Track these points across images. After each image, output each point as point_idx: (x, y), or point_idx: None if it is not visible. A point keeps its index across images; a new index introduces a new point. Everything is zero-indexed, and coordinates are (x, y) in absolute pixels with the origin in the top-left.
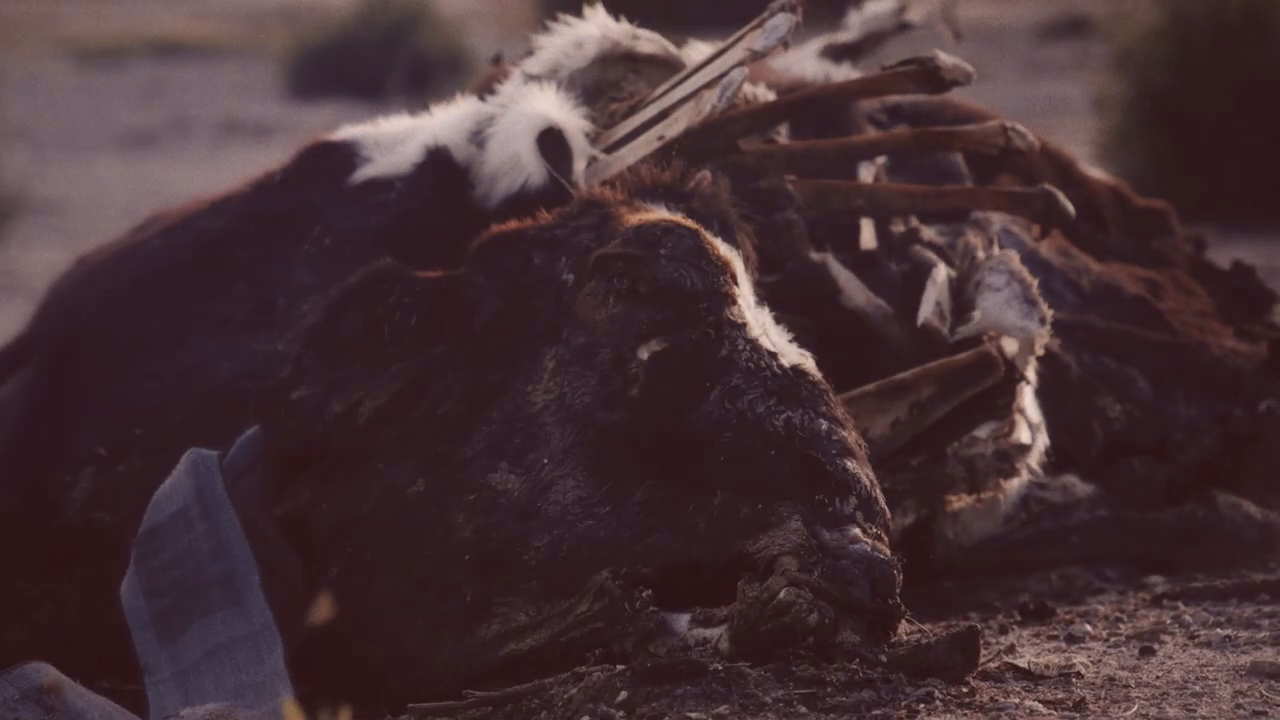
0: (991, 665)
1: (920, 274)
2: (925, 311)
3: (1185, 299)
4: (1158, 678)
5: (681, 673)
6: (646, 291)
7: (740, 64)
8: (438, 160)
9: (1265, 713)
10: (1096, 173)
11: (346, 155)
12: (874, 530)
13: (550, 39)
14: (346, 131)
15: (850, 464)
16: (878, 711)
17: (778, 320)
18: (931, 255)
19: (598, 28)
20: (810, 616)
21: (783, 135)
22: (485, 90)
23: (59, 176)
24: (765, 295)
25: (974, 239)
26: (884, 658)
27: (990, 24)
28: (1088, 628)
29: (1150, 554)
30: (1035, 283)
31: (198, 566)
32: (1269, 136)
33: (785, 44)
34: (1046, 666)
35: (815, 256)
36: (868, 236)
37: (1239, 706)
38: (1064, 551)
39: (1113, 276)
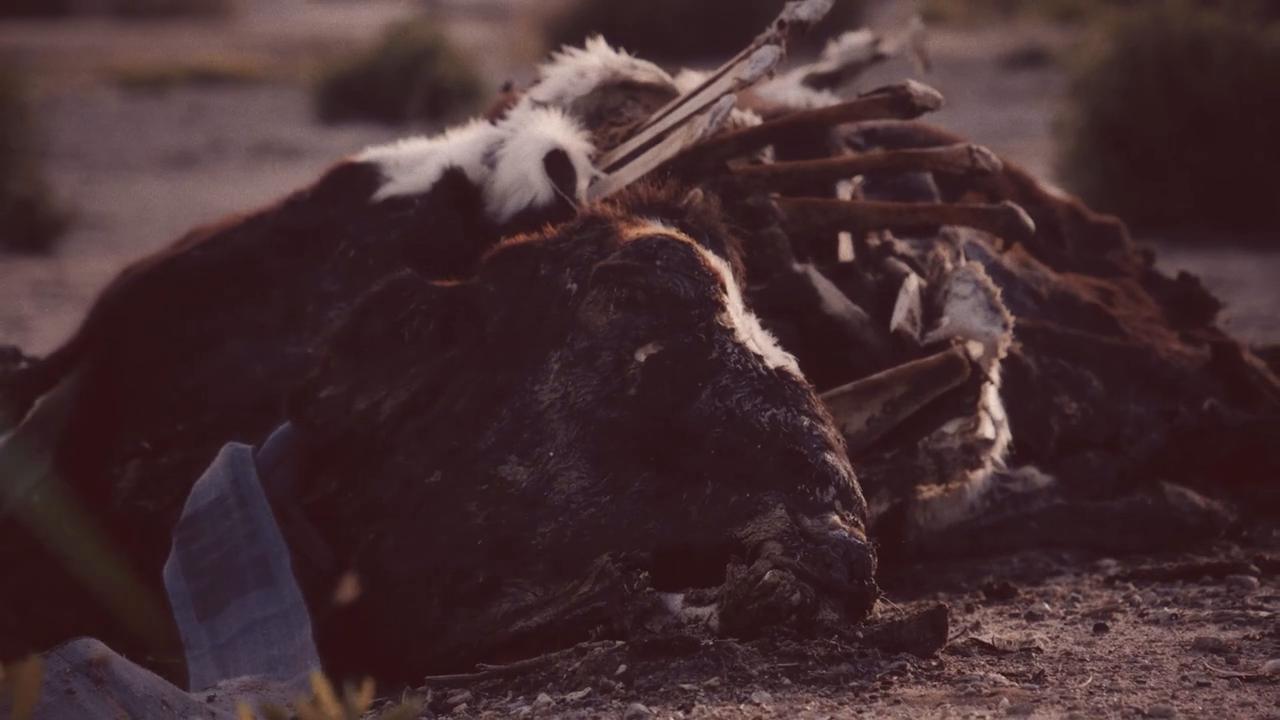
0: (959, 641)
1: (893, 283)
2: (898, 318)
3: (1135, 306)
4: (1110, 652)
5: (676, 648)
6: (644, 299)
7: (729, 92)
8: (453, 179)
9: (1208, 684)
10: (1054, 191)
11: (369, 175)
12: (851, 517)
13: (556, 69)
14: (369, 153)
15: (830, 457)
16: (855, 683)
17: (763, 325)
18: (904, 266)
19: (599, 58)
20: (793, 596)
21: (768, 156)
22: (496, 115)
23: (107, 194)
24: (752, 303)
25: (943, 251)
26: (860, 634)
27: (957, 55)
28: (1046, 607)
29: (1103, 539)
30: (998, 291)
31: (234, 550)
32: (1211, 158)
33: (770, 73)
34: (1009, 642)
35: (797, 267)
36: (845, 249)
37: (1184, 679)
38: (1024, 537)
39: (1069, 286)
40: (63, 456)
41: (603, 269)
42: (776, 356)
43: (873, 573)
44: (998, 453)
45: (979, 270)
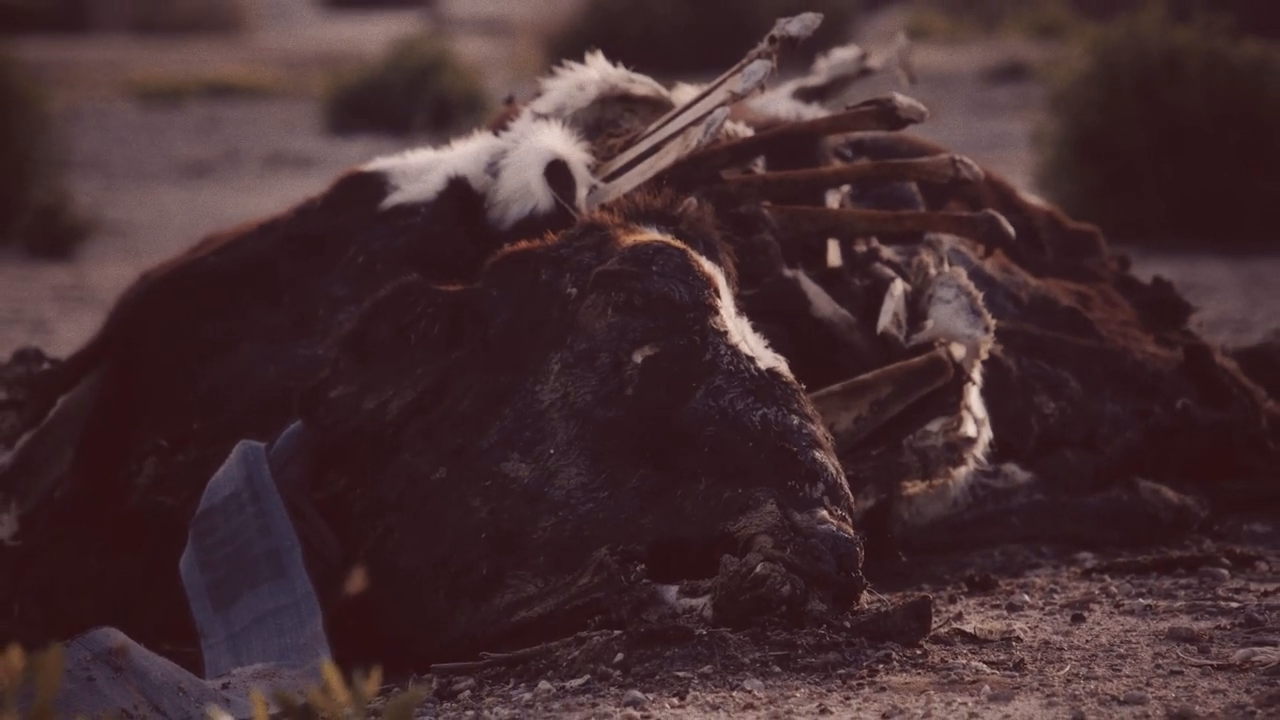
0: (942, 631)
1: (880, 288)
2: (884, 321)
3: (1111, 310)
4: (1087, 641)
5: (671, 637)
6: (640, 303)
7: (722, 104)
8: (457, 188)
9: (1181, 672)
10: (1034, 199)
11: (377, 184)
12: (839, 512)
13: (556, 82)
14: (377, 163)
15: (818, 454)
16: (842, 671)
17: (755, 328)
18: (890, 272)
19: (598, 72)
20: (784, 588)
21: (760, 166)
22: (499, 127)
23: (125, 202)
24: (744, 306)
25: (927, 257)
26: (848, 624)
27: (941, 69)
28: (1026, 598)
29: (1081, 533)
30: (980, 296)
31: (247, 544)
32: (1185, 168)
33: (762, 87)
34: (990, 632)
35: (788, 273)
36: (834, 255)
37: (1158, 667)
38: (1005, 531)
39: (1048, 290)
40: (83, 453)
41: (601, 274)
42: (768, 358)
43: (860, 565)
44: (979, 450)
45: (962, 275)
